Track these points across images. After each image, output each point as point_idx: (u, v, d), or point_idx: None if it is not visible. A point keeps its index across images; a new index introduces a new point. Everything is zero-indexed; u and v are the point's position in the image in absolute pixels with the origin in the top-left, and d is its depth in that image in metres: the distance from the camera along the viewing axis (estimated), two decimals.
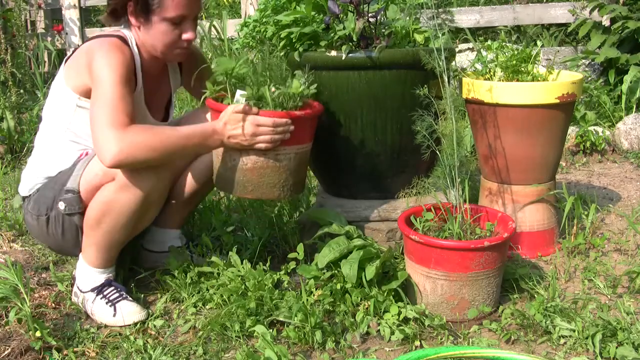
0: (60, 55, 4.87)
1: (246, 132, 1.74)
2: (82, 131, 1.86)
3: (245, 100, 1.77)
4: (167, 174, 1.78)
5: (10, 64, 3.99)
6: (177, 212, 2.13)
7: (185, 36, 1.85)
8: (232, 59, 1.82)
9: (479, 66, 2.25)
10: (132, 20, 1.84)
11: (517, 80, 2.12)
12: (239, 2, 5.16)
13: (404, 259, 1.92)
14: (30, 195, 1.93)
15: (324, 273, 1.86)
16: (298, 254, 1.99)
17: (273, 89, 1.78)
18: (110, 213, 1.76)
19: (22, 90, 4.08)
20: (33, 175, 1.93)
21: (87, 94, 1.80)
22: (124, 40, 1.83)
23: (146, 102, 1.95)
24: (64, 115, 1.87)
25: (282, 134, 1.76)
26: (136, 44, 1.88)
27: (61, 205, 1.83)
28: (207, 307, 1.89)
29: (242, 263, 1.96)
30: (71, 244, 1.90)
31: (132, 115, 1.71)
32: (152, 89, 1.97)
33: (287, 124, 1.76)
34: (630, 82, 3.63)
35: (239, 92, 1.79)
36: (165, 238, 2.13)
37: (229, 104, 1.78)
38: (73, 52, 1.88)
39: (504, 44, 2.19)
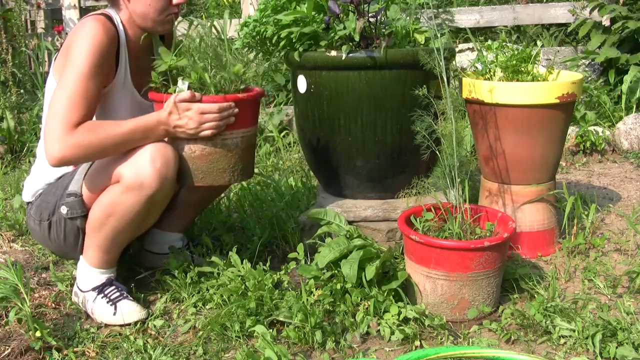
0: None
1: (191, 121, 1.73)
2: None
3: (188, 88, 1.76)
4: (171, 174, 1.77)
5: (11, 63, 3.99)
6: (182, 217, 2.13)
7: (176, 0, 1.84)
8: (172, 51, 1.82)
9: (479, 66, 2.25)
10: None
11: (517, 80, 2.12)
12: (239, 2, 5.16)
13: (404, 259, 1.92)
14: (32, 201, 1.93)
15: (324, 273, 1.86)
16: (298, 254, 1.99)
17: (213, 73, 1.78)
18: (115, 214, 1.76)
19: (22, 90, 4.08)
20: (35, 182, 1.93)
21: None
22: (108, 17, 1.81)
23: (136, 82, 1.92)
24: None
25: (227, 118, 1.76)
26: (121, 22, 1.85)
27: (63, 209, 1.82)
28: (207, 307, 1.89)
29: (242, 263, 1.96)
30: (72, 248, 1.90)
31: (88, 111, 1.72)
32: (141, 68, 1.93)
33: (230, 107, 1.76)
34: (630, 82, 3.63)
35: (180, 81, 1.79)
36: (166, 240, 2.13)
37: (172, 93, 1.77)
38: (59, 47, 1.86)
39: (504, 44, 2.19)
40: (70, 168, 1.87)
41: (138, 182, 1.72)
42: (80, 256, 1.90)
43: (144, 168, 1.71)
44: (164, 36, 2.03)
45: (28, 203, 1.96)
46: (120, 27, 1.85)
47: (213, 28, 4.35)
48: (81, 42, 1.73)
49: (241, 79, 1.82)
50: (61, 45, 1.85)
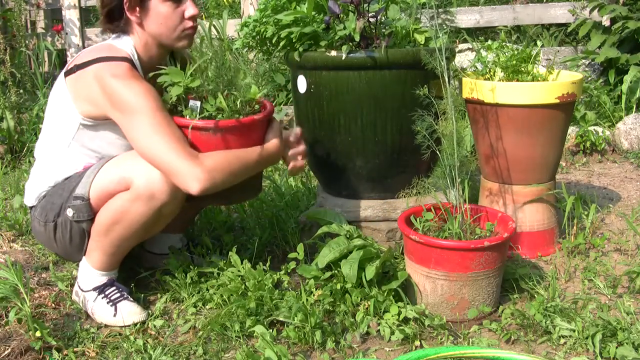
0: (60, 56, 4.87)
1: (300, 157, 1.91)
2: (85, 147, 1.83)
3: (200, 108, 1.75)
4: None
5: (10, 64, 3.98)
6: (181, 218, 2.12)
7: (188, 13, 1.80)
8: (181, 70, 1.77)
9: (479, 66, 2.25)
10: (131, 16, 1.79)
11: (517, 80, 2.12)
12: (239, 2, 5.16)
13: (404, 259, 1.92)
14: (36, 204, 1.90)
15: (324, 273, 1.86)
16: (298, 254, 1.99)
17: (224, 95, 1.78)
18: (122, 222, 1.75)
19: (22, 90, 4.07)
20: (37, 185, 1.90)
21: (96, 118, 1.78)
22: (129, 60, 1.76)
23: None
24: (66, 131, 1.83)
25: None
26: (135, 49, 1.83)
27: (69, 212, 1.80)
28: (207, 307, 1.89)
29: (242, 263, 1.96)
30: (78, 249, 1.89)
31: (181, 132, 1.73)
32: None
33: None
34: (630, 82, 3.63)
35: (192, 103, 1.76)
36: (166, 241, 2.13)
37: (186, 116, 1.75)
38: (75, 68, 1.78)
39: (504, 44, 2.19)
40: (78, 169, 1.85)
41: (148, 192, 1.71)
42: (83, 257, 1.90)
43: (155, 179, 1.70)
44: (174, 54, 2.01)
45: (31, 207, 1.93)
46: (136, 57, 1.82)
47: (213, 28, 4.35)
48: (125, 90, 1.69)
49: (256, 99, 1.83)
50: (65, 52, 1.84)
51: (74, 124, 1.81)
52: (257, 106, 1.84)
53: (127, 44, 1.83)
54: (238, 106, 1.78)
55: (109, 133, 1.81)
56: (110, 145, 1.84)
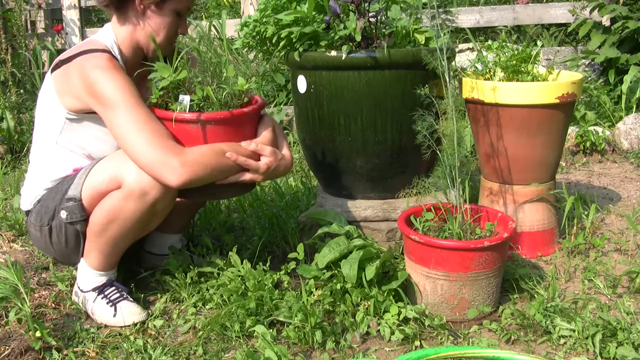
0: None
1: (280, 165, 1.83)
2: (72, 142, 1.83)
3: (190, 103, 1.74)
4: None
5: (10, 64, 3.98)
6: (180, 218, 2.13)
7: (181, 31, 1.86)
8: (168, 65, 1.77)
9: (479, 66, 2.25)
10: (139, 4, 1.79)
11: (517, 80, 2.12)
12: (239, 2, 5.16)
13: (404, 259, 1.92)
14: (32, 208, 1.91)
15: (324, 273, 1.86)
16: (298, 254, 1.99)
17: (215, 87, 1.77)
18: (116, 220, 1.75)
19: (22, 90, 4.08)
20: (32, 189, 1.91)
21: (79, 111, 1.78)
22: (107, 51, 1.78)
23: None
24: (53, 127, 1.83)
25: None
26: (117, 45, 1.83)
27: (63, 214, 1.80)
28: (207, 307, 1.89)
29: (242, 263, 1.96)
30: (75, 251, 1.89)
31: (161, 124, 1.72)
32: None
33: None
34: (630, 82, 3.63)
35: (182, 97, 1.75)
36: (166, 242, 2.13)
37: (174, 110, 1.73)
38: (60, 63, 1.80)
39: (504, 44, 2.19)
40: (67, 168, 1.86)
41: (140, 189, 1.70)
42: (81, 258, 1.90)
43: (146, 175, 1.69)
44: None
45: (27, 212, 1.94)
46: (116, 50, 1.83)
47: (212, 29, 4.35)
48: (105, 82, 1.70)
49: (245, 92, 1.81)
50: (58, 53, 1.84)
51: (60, 120, 1.81)
52: (246, 99, 1.83)
53: (107, 37, 1.84)
54: (225, 98, 1.75)
55: (94, 127, 1.81)
56: (97, 140, 1.84)
